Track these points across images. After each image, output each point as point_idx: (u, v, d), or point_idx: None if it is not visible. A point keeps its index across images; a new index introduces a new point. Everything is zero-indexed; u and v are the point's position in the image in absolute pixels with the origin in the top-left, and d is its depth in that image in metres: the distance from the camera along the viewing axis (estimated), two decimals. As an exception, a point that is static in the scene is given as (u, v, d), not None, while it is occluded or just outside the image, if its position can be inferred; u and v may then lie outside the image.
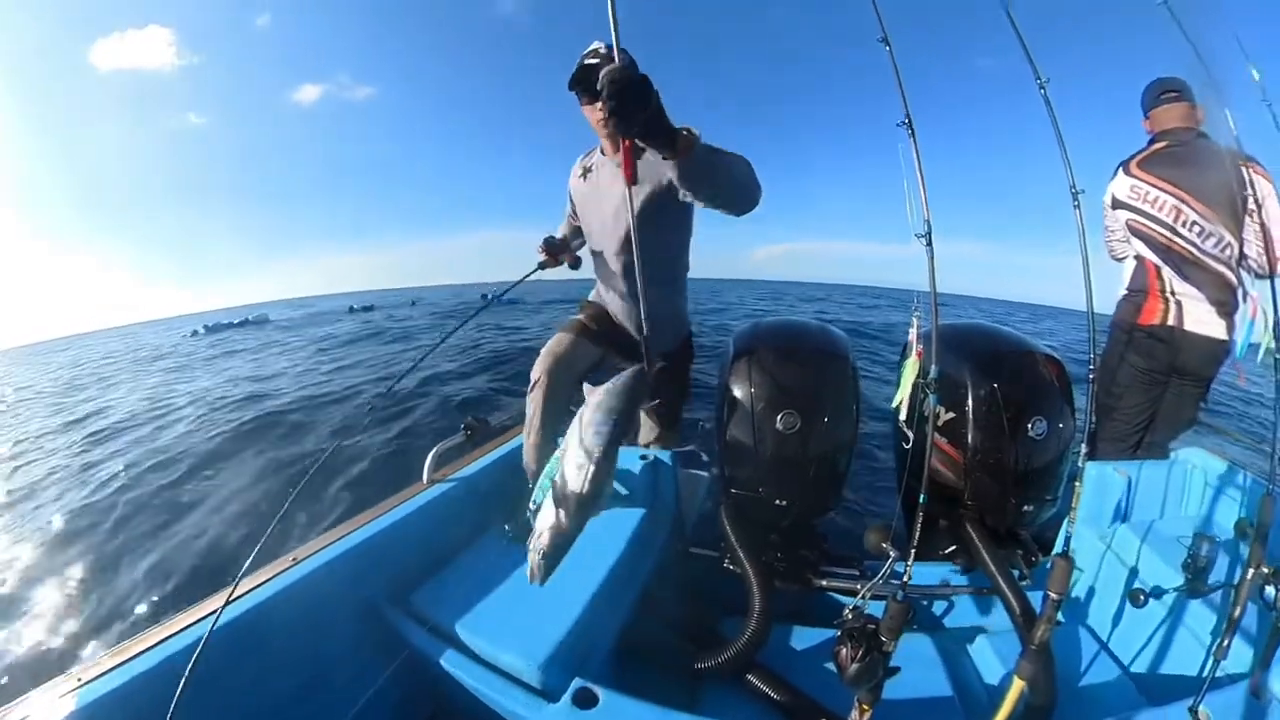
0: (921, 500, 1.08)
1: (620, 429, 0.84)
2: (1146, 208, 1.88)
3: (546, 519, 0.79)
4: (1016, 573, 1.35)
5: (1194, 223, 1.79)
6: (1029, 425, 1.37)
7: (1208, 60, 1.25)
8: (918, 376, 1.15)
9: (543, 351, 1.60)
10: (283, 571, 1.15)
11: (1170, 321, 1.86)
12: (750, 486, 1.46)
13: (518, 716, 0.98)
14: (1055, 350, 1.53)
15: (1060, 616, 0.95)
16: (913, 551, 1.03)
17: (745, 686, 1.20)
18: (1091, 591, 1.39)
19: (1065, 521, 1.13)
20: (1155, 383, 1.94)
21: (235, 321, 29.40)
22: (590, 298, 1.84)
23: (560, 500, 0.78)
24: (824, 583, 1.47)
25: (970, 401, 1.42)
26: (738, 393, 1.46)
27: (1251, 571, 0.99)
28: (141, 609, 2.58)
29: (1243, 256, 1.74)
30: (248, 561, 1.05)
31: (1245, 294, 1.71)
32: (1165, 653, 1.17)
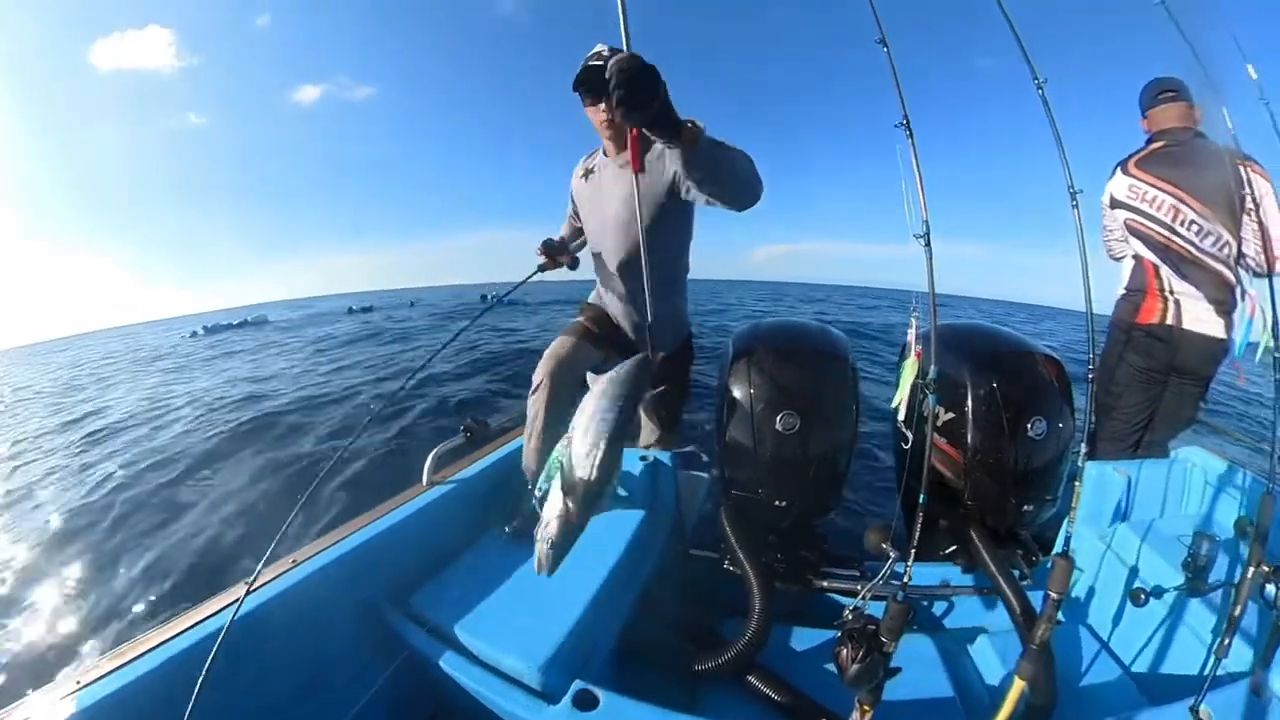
0: (921, 500, 1.08)
1: (626, 415, 0.83)
2: (1145, 207, 1.88)
3: (554, 508, 0.77)
4: (1017, 573, 1.35)
5: (1192, 222, 1.80)
6: (1028, 425, 1.37)
7: (1205, 60, 1.25)
8: (917, 377, 1.15)
9: (545, 354, 1.59)
10: (283, 573, 1.15)
11: (1169, 320, 1.86)
12: (750, 487, 1.46)
13: (518, 718, 0.97)
14: (1054, 350, 1.53)
15: (1061, 616, 0.94)
16: (913, 552, 1.03)
17: (746, 688, 1.20)
18: (1092, 591, 1.39)
19: (1065, 521, 1.12)
20: (1154, 382, 1.94)
21: (234, 323, 29.45)
22: (590, 299, 1.84)
23: (569, 489, 0.76)
24: (824, 583, 1.46)
25: (970, 402, 1.42)
26: (737, 394, 1.46)
27: (1252, 570, 0.99)
28: (139, 608, 2.58)
29: (1241, 255, 1.75)
30: (259, 565, 1.06)
31: (1244, 293, 1.72)
32: (1166, 652, 1.17)
